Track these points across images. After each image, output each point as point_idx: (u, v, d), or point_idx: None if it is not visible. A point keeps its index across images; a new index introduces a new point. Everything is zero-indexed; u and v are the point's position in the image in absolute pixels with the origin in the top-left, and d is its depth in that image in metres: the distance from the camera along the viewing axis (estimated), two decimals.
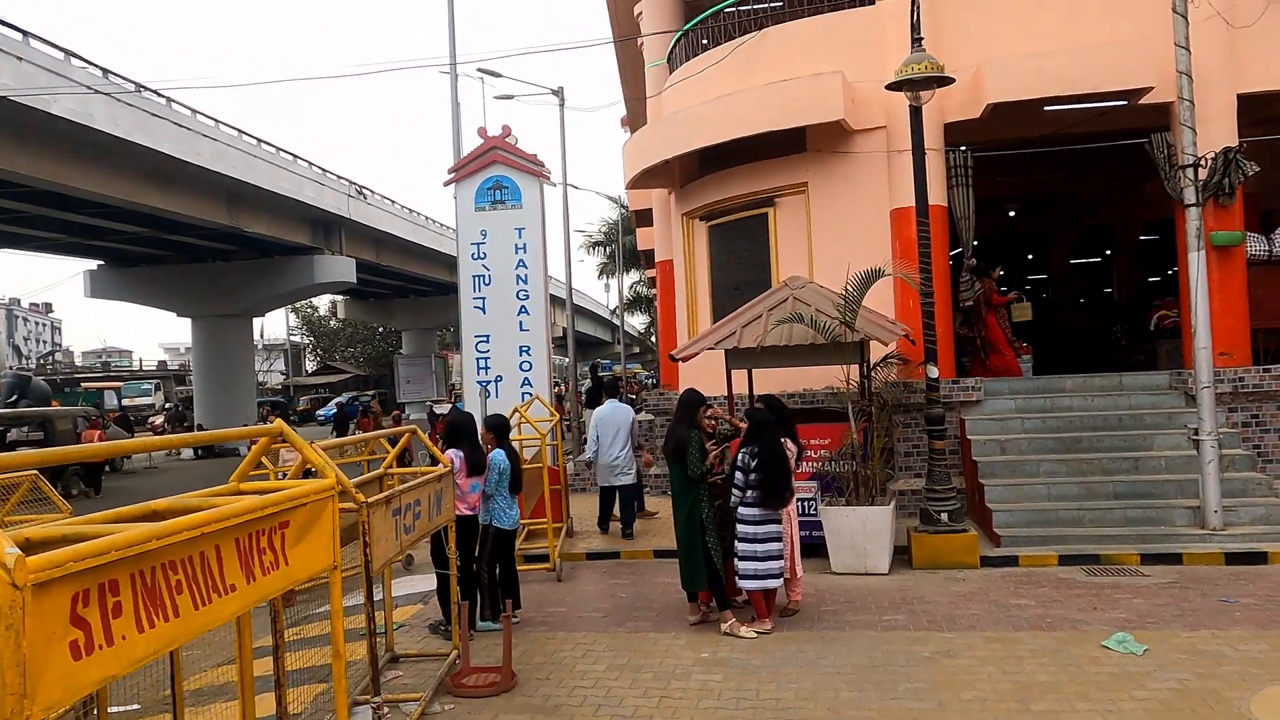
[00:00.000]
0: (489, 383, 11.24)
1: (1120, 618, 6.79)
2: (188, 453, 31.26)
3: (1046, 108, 11.06)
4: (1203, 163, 9.62)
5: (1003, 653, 6.12)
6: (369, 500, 4.68)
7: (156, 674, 4.71)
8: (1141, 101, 10.74)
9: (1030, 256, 24.65)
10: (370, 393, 49.76)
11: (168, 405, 50.55)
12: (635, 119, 18.90)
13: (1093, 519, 9.17)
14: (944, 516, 8.80)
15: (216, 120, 25.74)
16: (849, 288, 8.92)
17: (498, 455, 7.53)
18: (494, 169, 11.47)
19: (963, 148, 11.32)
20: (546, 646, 6.81)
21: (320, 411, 46.80)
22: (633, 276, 48.94)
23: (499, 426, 7.76)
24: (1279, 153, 10.99)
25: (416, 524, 5.54)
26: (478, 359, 11.45)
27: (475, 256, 11.45)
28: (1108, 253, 20.54)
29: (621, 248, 39.74)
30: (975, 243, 11.69)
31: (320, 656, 6.55)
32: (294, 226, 32.07)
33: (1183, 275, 10.52)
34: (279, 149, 29.38)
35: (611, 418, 10.54)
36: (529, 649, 6.73)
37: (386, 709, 4.97)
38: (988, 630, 6.66)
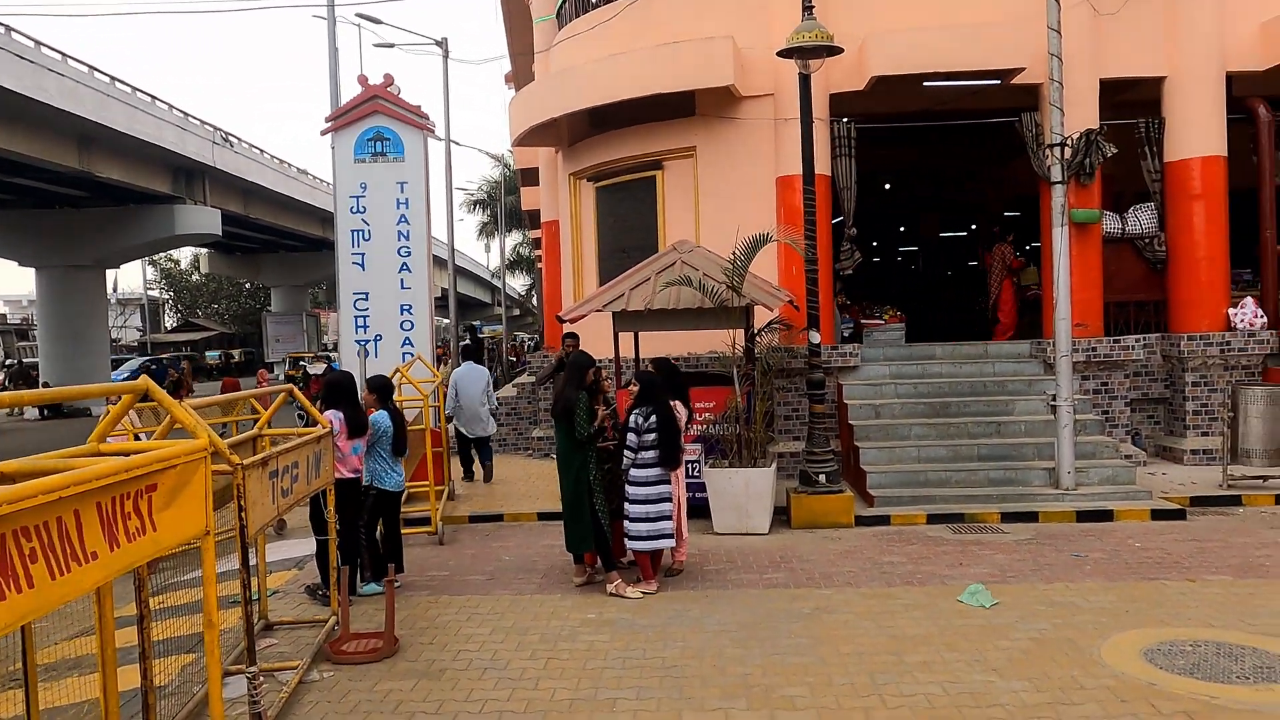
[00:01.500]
0: (368, 342, 10.86)
1: (983, 572, 7.16)
2: (31, 413, 29.15)
3: (925, 83, 11.40)
4: (1068, 143, 10.12)
5: (878, 608, 6.36)
6: (244, 462, 4.44)
7: (5, 647, 4.36)
8: (1013, 82, 11.19)
9: (902, 229, 25.52)
10: (184, 353, 46.09)
11: (8, 362, 46.98)
12: (521, 75, 18.49)
13: (959, 480, 9.63)
14: (822, 478, 9.07)
15: (64, 55, 23.74)
16: (736, 253, 9.01)
17: (380, 416, 7.30)
18: (375, 119, 10.99)
19: (846, 119, 11.55)
20: (430, 611, 6.68)
21: (115, 374, 34.59)
22: (515, 238, 48.25)
23: (382, 387, 7.51)
24: (1132, 138, 11.66)
25: (294, 487, 5.30)
26: (356, 317, 11.04)
27: (354, 210, 11.00)
28: (974, 227, 21.46)
29: (504, 208, 39.05)
30: (853, 229, 11.99)
31: (187, 626, 6.23)
32: (153, 173, 30.07)
33: (1045, 249, 11.10)
34: (136, 89, 27.38)
35: (468, 376, 11.54)
36: (412, 613, 6.59)
37: (262, 679, 4.76)
38: (863, 586, 6.91)
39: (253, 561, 6.69)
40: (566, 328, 10.57)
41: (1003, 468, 9.74)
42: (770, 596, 6.74)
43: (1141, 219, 11.82)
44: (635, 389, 7.19)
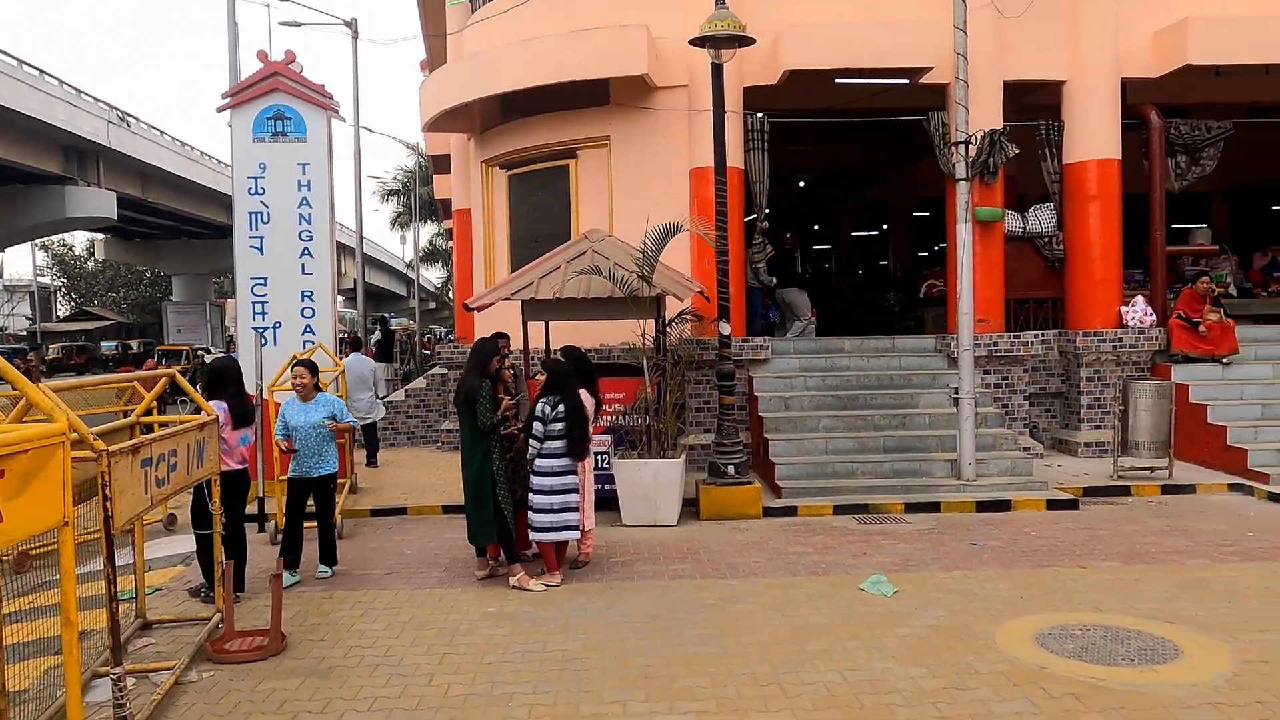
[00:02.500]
0: (266, 329, 10.41)
1: (886, 562, 7.24)
2: None
3: (838, 80, 11.51)
4: (972, 141, 10.33)
5: (782, 598, 6.35)
6: (111, 449, 4.14)
7: None
8: (922, 81, 11.38)
9: (817, 227, 25.87)
10: (79, 342, 43.75)
11: None
12: (435, 59, 18.07)
13: (865, 471, 9.75)
14: (731, 469, 9.06)
15: None
16: (647, 242, 8.92)
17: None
18: (275, 97, 10.53)
19: (760, 113, 11.59)
20: (323, 606, 6.41)
21: None
22: (430, 229, 47.39)
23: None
24: (1034, 139, 12.00)
25: (172, 476, 4.99)
26: (254, 303, 10.57)
27: (253, 191, 10.52)
28: (885, 226, 21.90)
29: (418, 198, 38.29)
30: (768, 210, 12.06)
31: (55, 627, 5.83)
32: (42, 152, 28.49)
33: (950, 247, 11.32)
34: (22, 62, 25.89)
35: (355, 368, 11.86)
36: (303, 610, 6.31)
37: (131, 680, 4.46)
38: (768, 577, 6.90)
39: (129, 559, 6.34)
40: (499, 327, 10.21)
41: (907, 459, 9.89)
42: (676, 588, 6.67)
43: (1042, 218, 12.17)
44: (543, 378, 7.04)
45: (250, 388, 7.79)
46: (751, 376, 11.24)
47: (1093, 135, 11.68)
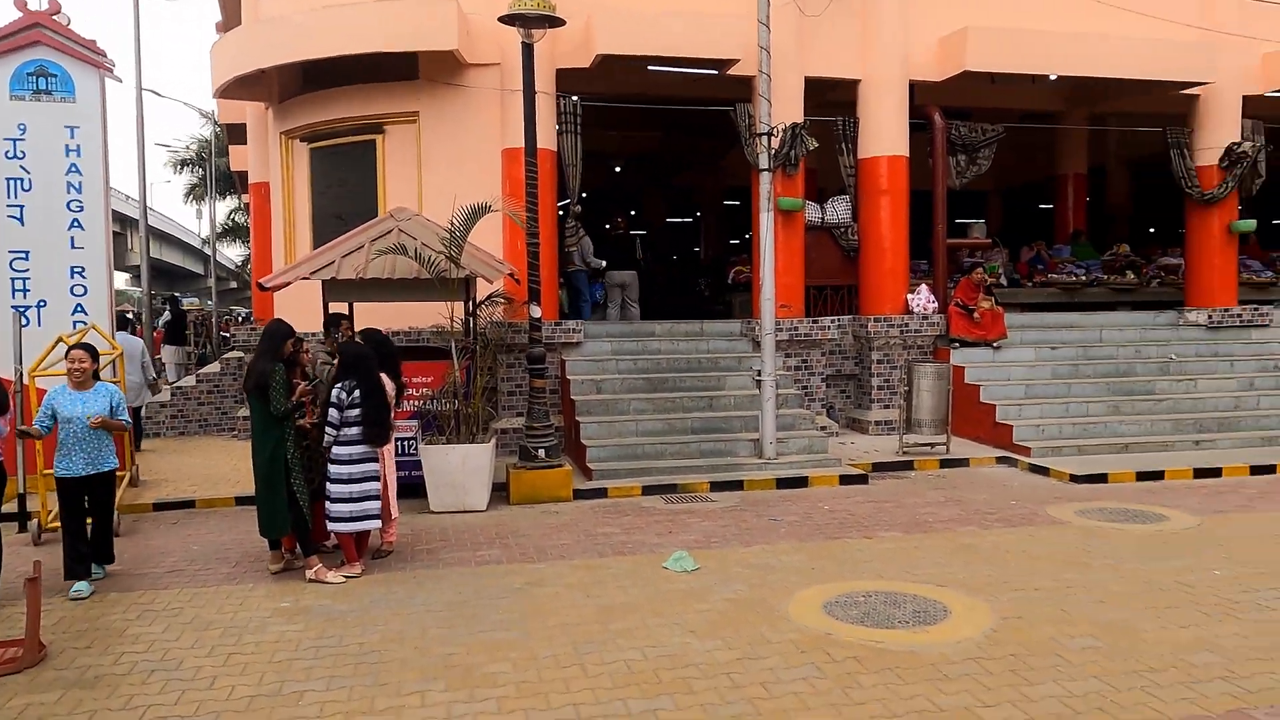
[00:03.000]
0: (29, 308, 9.40)
1: (691, 540, 7.44)
2: None
3: (650, 67, 11.65)
4: (775, 133, 10.74)
5: (588, 578, 6.40)
6: None
7: None
8: (729, 73, 11.70)
9: (632, 212, 26.18)
10: None
11: None
12: (230, 20, 16.85)
13: (673, 452, 9.98)
14: (542, 453, 9.04)
15: None
16: (455, 222, 8.72)
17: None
18: (37, 51, 9.46)
19: (574, 96, 11.56)
20: (91, 611, 5.88)
21: None
22: (230, 203, 44.39)
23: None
24: (832, 134, 12.63)
25: None
26: (14, 279, 9.49)
27: (11, 155, 9.42)
28: (697, 214, 22.47)
29: (213, 169, 35.77)
30: (582, 194, 12.08)
31: None
32: None
33: (755, 235, 11.73)
34: None
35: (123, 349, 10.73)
36: (67, 616, 5.77)
37: None
38: (576, 559, 6.94)
39: None
40: (332, 307, 9.55)
41: (714, 440, 10.21)
42: (482, 574, 6.59)
43: (839, 210, 12.84)
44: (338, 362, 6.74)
45: (7, 372, 7.02)
46: (564, 360, 11.26)
47: (884, 133, 12.42)
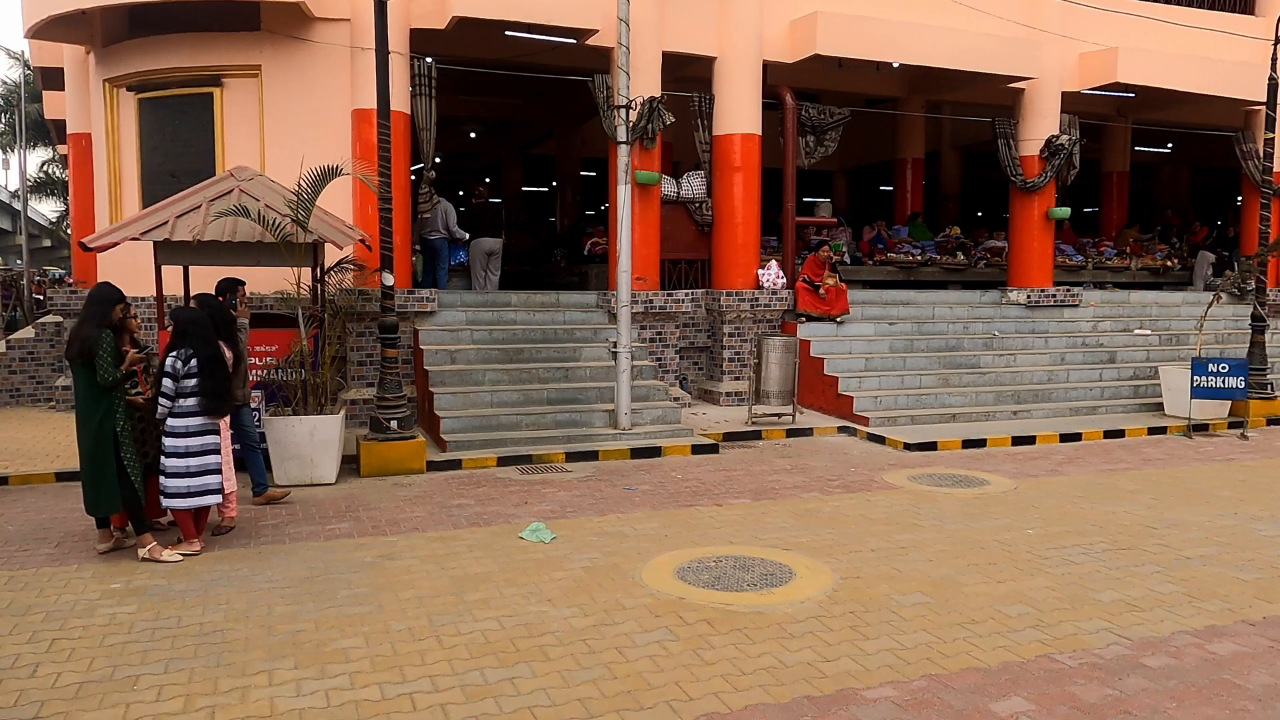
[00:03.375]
0: None
1: (547, 510, 7.49)
2: None
3: (507, 32, 11.45)
4: (634, 106, 10.80)
5: (442, 550, 6.35)
6: None
7: None
8: (588, 43, 11.65)
9: (488, 180, 25.72)
10: None
11: None
12: None
13: (529, 423, 9.98)
14: (394, 424, 8.85)
15: None
16: (303, 184, 8.35)
17: None
18: None
19: (429, 58, 11.24)
20: None
21: None
22: (44, 154, 40.73)
23: None
24: (689, 110, 12.81)
25: None
26: None
27: None
28: (554, 184, 22.34)
29: (24, 116, 32.70)
30: (437, 159, 11.78)
31: None
32: None
33: (612, 207, 11.81)
34: None
35: None
36: None
37: None
38: (430, 531, 6.86)
39: None
40: (225, 272, 8.75)
41: (569, 410, 10.27)
42: (332, 548, 6.42)
43: (694, 185, 13.07)
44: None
45: None
46: (417, 329, 11.02)
47: (739, 111, 12.70)
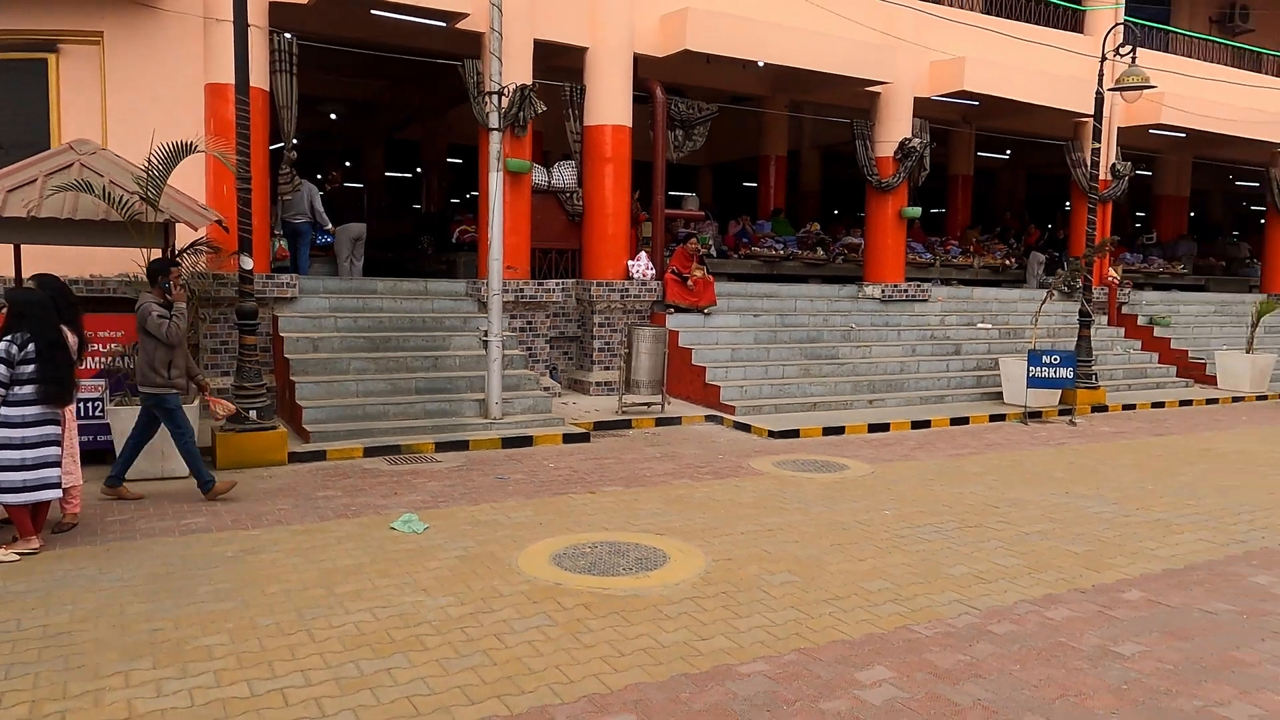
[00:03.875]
0: None
1: (418, 500, 7.36)
2: None
3: (374, 11, 11.11)
4: (505, 93, 10.70)
5: (309, 543, 6.15)
6: None
7: None
8: (458, 26, 11.45)
9: (349, 164, 24.87)
10: None
11: None
12: None
13: (397, 412, 9.76)
14: (253, 414, 8.48)
15: None
16: (154, 160, 7.87)
17: None
18: None
19: (289, 34, 10.78)
20: None
21: None
22: None
23: None
24: (560, 99, 12.78)
25: None
26: None
27: None
28: (419, 169, 21.83)
29: None
30: (295, 140, 11.33)
31: None
32: None
33: (483, 195, 11.67)
34: None
35: None
36: None
37: None
38: (295, 524, 6.63)
39: None
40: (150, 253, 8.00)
41: (439, 400, 10.10)
42: (189, 543, 6.11)
43: (565, 175, 13.07)
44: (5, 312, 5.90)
45: None
46: (277, 316, 10.57)
47: (609, 102, 12.76)
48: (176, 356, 7.13)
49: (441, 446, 9.31)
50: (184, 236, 9.49)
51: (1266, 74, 19.48)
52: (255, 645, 4.52)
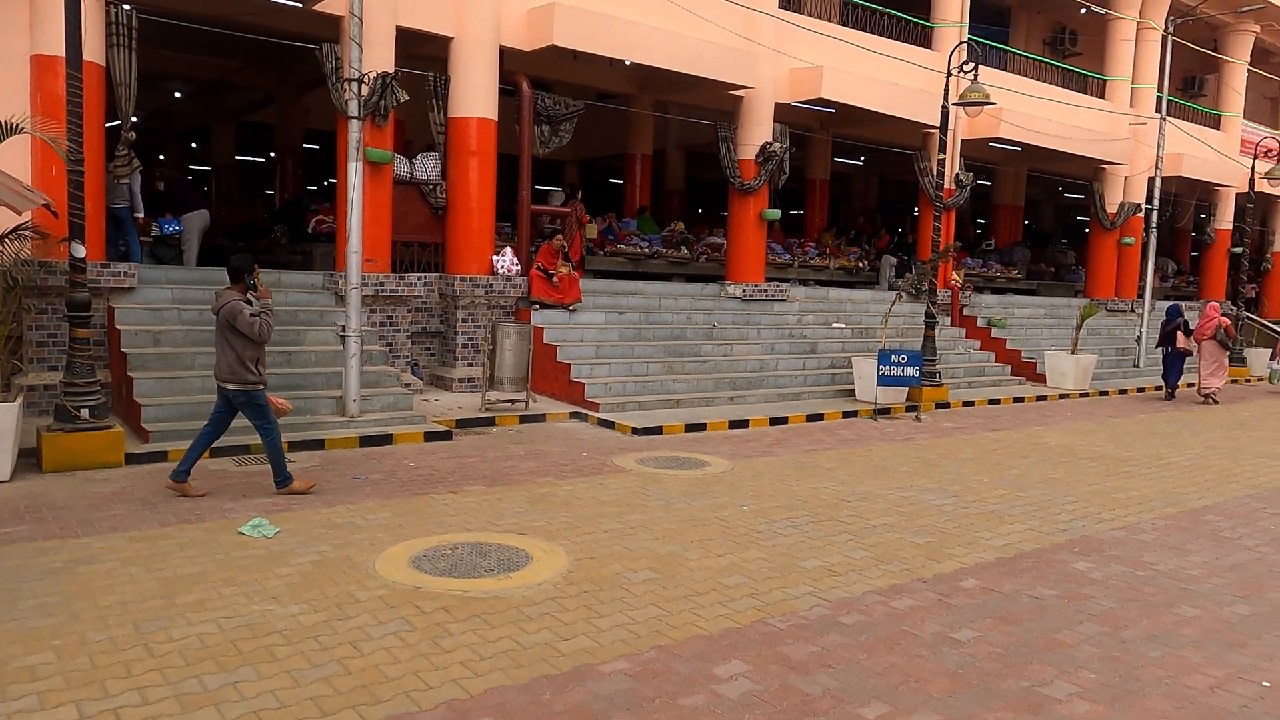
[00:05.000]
0: None
1: (268, 503, 7.06)
2: None
3: None
4: (366, 80, 10.37)
5: (149, 551, 5.80)
6: None
7: None
8: (316, 9, 11.00)
9: (195, 145, 23.59)
10: None
11: None
12: None
13: None
14: (85, 413, 7.92)
15: None
16: None
17: None
18: None
19: (127, 5, 10.11)
20: None
21: None
22: None
23: None
24: (424, 89, 12.50)
25: None
26: None
27: None
28: (272, 155, 20.89)
29: None
30: (135, 118, 10.63)
31: None
32: None
33: (341, 184, 11.27)
34: None
35: None
36: None
37: None
38: (132, 530, 6.24)
39: None
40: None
41: (292, 397, 9.64)
42: (9, 554, 5.66)
43: (428, 166, 12.78)
44: None
45: None
46: (113, 307, 9.91)
47: (475, 94, 12.57)
48: (262, 354, 7.21)
49: (295, 446, 8.94)
50: (6, 220, 8.77)
51: (1091, 95, 21.07)
52: (86, 663, 4.23)
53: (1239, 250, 23.44)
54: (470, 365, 12.61)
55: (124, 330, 9.60)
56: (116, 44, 10.01)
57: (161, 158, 13.13)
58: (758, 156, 15.44)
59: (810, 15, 16.36)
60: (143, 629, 4.62)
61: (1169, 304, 17.53)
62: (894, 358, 12.77)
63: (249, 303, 7.11)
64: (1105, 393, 16.89)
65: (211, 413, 7.39)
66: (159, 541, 6.01)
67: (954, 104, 14.27)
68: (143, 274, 10.36)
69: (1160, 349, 16.80)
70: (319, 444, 9.09)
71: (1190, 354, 16.42)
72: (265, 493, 7.34)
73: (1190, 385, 17.73)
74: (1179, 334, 16.25)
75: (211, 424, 7.36)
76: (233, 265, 7.25)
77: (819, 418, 12.46)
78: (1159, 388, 17.65)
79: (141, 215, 11.40)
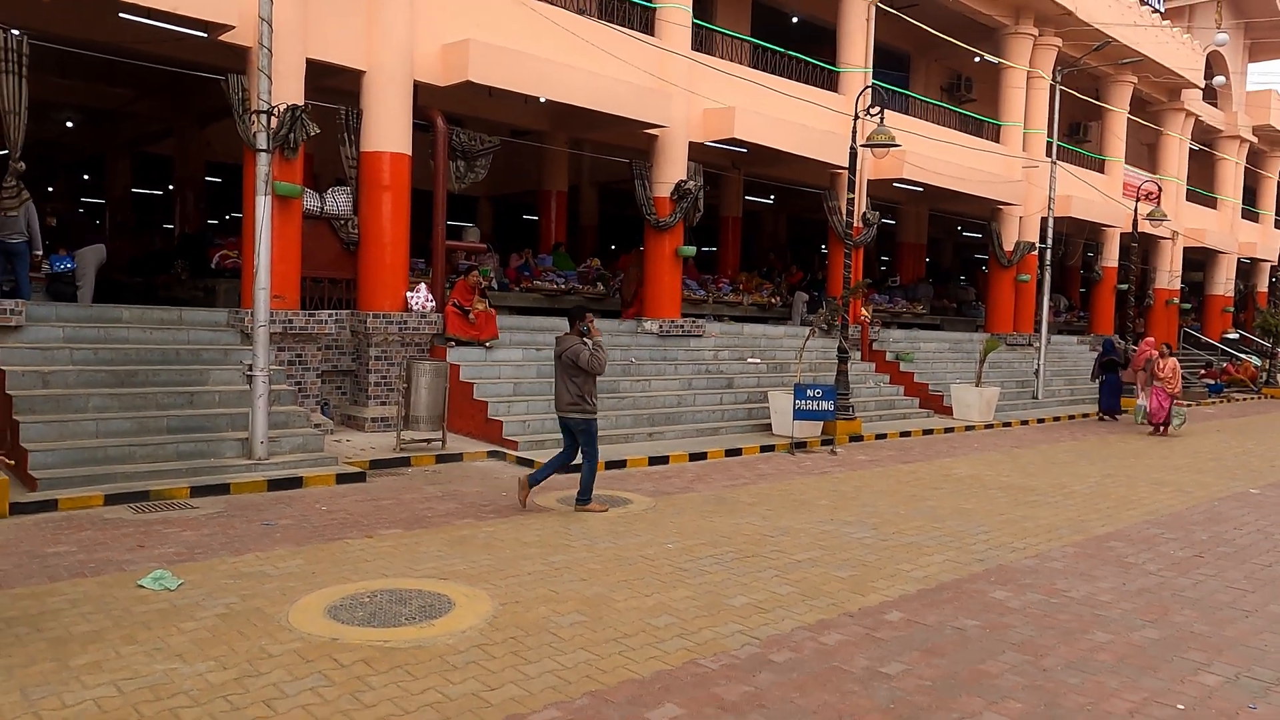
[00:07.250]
0: None
1: (170, 552, 6.68)
2: None
3: (122, 14, 10.18)
4: (275, 113, 10.10)
5: (36, 609, 5.40)
6: None
7: None
8: (222, 39, 10.71)
9: (87, 176, 22.67)
10: None
11: None
12: None
13: (145, 454, 8.86)
14: None
15: None
16: None
17: None
18: None
19: (18, 30, 9.64)
20: None
21: None
22: None
23: None
24: (334, 122, 12.25)
25: None
26: None
27: None
28: (171, 187, 20.16)
29: None
30: (21, 164, 10.09)
31: None
32: None
33: (247, 218, 10.92)
34: None
35: None
36: None
37: None
38: (17, 586, 5.81)
39: None
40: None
41: (195, 440, 9.28)
42: None
43: (339, 201, 12.49)
44: None
45: None
46: None
47: (388, 129, 12.37)
48: (595, 387, 8.41)
49: (198, 491, 8.53)
50: None
51: (987, 139, 22.06)
52: None
53: (1125, 286, 24.76)
54: (384, 404, 12.28)
55: (9, 371, 9.03)
56: (7, 70, 9.52)
57: (51, 189, 12.47)
58: (673, 194, 15.61)
59: (721, 57, 16.71)
60: (31, 695, 4.27)
61: (1105, 338, 19.46)
62: (809, 392, 12.97)
63: (585, 344, 8.21)
64: (1008, 424, 17.49)
65: (563, 440, 8.66)
66: (48, 598, 5.61)
67: (862, 145, 14.72)
68: (30, 312, 9.79)
69: (1098, 379, 18.58)
70: (224, 488, 8.69)
71: (1130, 384, 18.12)
72: (167, 542, 6.95)
73: (1125, 412, 19.15)
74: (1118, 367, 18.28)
75: (565, 450, 8.62)
76: (570, 314, 8.62)
77: (737, 452, 12.53)
78: (1057, 418, 18.40)
79: (40, 252, 10.81)
